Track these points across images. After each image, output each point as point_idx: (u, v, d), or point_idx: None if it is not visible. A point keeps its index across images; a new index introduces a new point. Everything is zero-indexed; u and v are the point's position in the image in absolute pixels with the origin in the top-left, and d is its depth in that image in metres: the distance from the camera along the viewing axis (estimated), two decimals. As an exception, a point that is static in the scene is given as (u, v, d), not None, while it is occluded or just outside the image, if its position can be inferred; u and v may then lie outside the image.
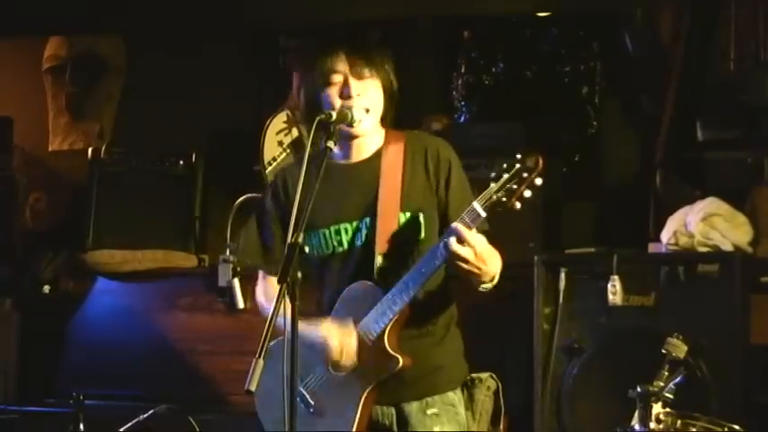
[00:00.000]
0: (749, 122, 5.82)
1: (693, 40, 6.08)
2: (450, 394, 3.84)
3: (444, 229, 3.69)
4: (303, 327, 3.44)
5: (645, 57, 6.30)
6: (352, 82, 3.80)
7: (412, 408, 3.79)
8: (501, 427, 3.92)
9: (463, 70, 6.61)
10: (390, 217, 3.78)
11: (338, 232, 3.86)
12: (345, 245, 3.85)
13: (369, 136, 3.88)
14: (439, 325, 3.86)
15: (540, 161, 3.50)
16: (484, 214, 3.54)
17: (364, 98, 3.81)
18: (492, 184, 3.53)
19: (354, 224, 3.84)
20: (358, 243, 3.83)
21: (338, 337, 3.76)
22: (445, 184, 3.82)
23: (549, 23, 6.53)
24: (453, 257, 3.56)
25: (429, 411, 3.78)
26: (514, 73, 6.57)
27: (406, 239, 3.78)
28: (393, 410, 3.81)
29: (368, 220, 3.82)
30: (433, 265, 3.63)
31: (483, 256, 3.58)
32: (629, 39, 6.35)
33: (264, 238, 3.99)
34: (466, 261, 3.56)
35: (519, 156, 3.53)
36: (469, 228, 3.54)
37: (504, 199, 3.52)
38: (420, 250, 3.77)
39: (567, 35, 6.51)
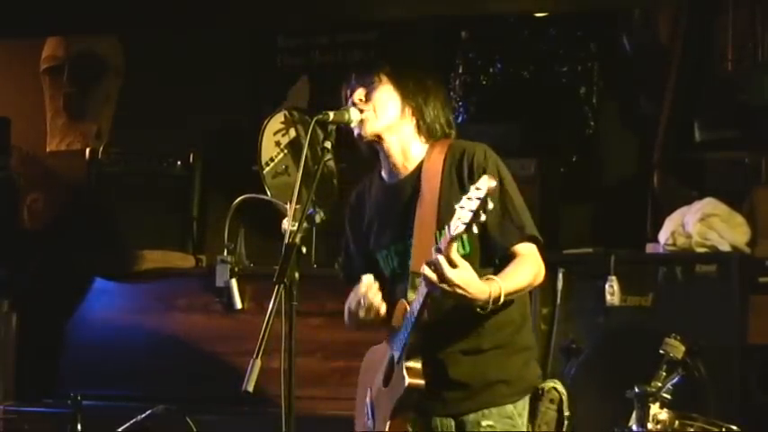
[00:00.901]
0: (747, 123, 5.83)
1: (691, 41, 6.08)
2: (510, 407, 3.77)
3: (485, 239, 3.66)
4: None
5: (643, 57, 6.30)
6: (358, 90, 3.83)
7: (469, 419, 3.76)
8: None
9: (461, 70, 6.61)
10: (427, 234, 3.72)
11: (389, 254, 3.86)
12: (397, 266, 3.84)
13: (403, 147, 3.85)
14: (503, 337, 3.78)
15: (495, 183, 3.38)
16: (443, 245, 3.46)
17: (366, 104, 3.81)
18: (461, 213, 3.40)
19: (399, 246, 3.82)
20: (405, 264, 3.80)
21: (356, 292, 3.80)
22: None
23: (546, 24, 6.52)
24: (429, 284, 3.51)
25: (484, 423, 3.74)
26: (512, 73, 6.56)
27: None
28: (452, 422, 3.78)
29: (408, 240, 3.78)
30: (421, 296, 3.58)
31: (456, 281, 3.48)
32: (627, 39, 6.35)
33: (351, 262, 4.05)
34: (437, 284, 3.49)
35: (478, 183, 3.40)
36: (440, 252, 3.47)
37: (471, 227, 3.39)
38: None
39: (564, 35, 6.51)
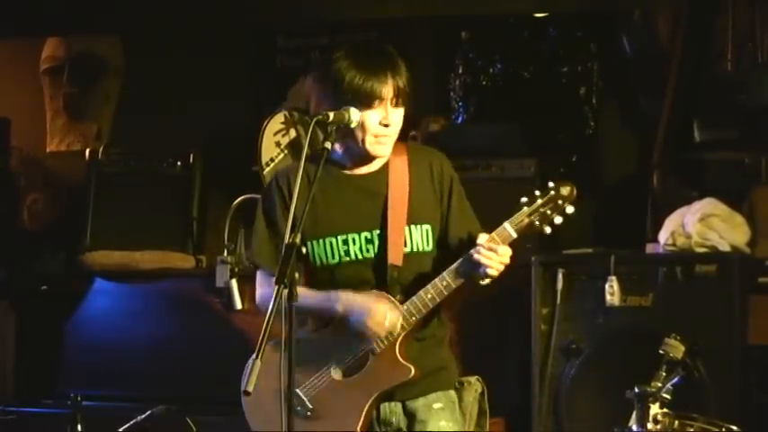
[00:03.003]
0: (747, 123, 5.83)
1: (691, 41, 6.08)
2: (452, 392, 3.93)
3: (443, 242, 3.88)
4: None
5: (643, 57, 6.30)
6: (391, 111, 3.80)
7: (418, 404, 3.86)
8: (486, 428, 3.99)
9: (461, 71, 6.61)
10: (399, 229, 3.83)
11: (345, 242, 3.86)
12: (353, 255, 3.86)
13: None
14: (435, 328, 3.93)
15: (574, 191, 3.72)
16: (515, 235, 3.73)
17: (395, 126, 3.84)
18: (524, 208, 3.72)
19: (363, 235, 3.85)
20: (368, 254, 3.85)
21: (387, 304, 3.80)
22: (448, 199, 3.90)
23: (546, 24, 6.52)
24: (485, 266, 3.71)
25: (435, 406, 3.86)
26: (512, 73, 6.57)
27: (415, 252, 3.85)
28: (399, 407, 3.86)
29: (378, 231, 3.84)
30: (455, 283, 3.76)
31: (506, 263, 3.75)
32: (626, 39, 6.35)
33: (276, 239, 3.96)
34: (493, 269, 3.72)
35: (552, 183, 3.74)
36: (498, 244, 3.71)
37: (536, 223, 3.73)
38: (428, 262, 3.86)
39: (564, 36, 6.51)
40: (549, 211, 3.72)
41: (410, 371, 3.77)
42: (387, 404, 3.85)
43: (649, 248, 5.59)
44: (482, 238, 3.73)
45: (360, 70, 3.78)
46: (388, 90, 3.77)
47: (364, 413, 3.79)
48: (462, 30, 6.64)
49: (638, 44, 6.31)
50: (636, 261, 5.32)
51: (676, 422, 4.12)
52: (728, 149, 5.87)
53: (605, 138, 6.48)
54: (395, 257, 3.81)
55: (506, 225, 3.72)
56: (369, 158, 3.88)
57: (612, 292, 5.15)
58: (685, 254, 5.33)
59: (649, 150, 6.12)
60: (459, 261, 3.76)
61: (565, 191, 3.72)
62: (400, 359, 3.78)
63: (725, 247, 5.32)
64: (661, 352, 4.24)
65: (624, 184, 6.38)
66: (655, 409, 4.09)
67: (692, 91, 6.04)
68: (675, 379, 4.16)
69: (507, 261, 3.73)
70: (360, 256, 3.86)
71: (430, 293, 3.77)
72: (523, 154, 6.01)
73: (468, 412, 3.95)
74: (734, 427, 4.17)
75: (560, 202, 3.72)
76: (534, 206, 3.72)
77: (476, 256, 3.70)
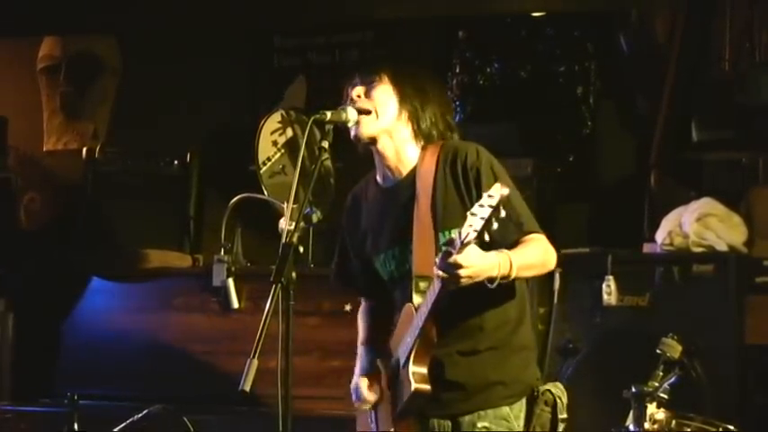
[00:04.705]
0: (744, 123, 5.83)
1: (688, 41, 6.08)
2: (506, 408, 3.76)
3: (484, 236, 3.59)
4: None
5: (640, 57, 6.30)
6: (356, 88, 3.80)
7: (465, 420, 3.76)
8: None
9: (458, 70, 6.61)
10: (426, 237, 3.71)
11: (387, 258, 3.84)
12: (396, 271, 3.83)
13: (398, 149, 3.83)
14: (499, 338, 3.77)
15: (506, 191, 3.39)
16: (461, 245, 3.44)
17: (366, 101, 3.79)
18: (474, 219, 3.38)
19: (398, 250, 3.81)
20: (403, 268, 3.79)
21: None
22: (477, 192, 3.67)
23: (544, 24, 6.52)
24: (448, 283, 3.51)
25: (479, 424, 3.73)
26: (509, 73, 6.56)
27: None
28: (449, 423, 3.79)
29: (407, 244, 3.76)
30: (430, 297, 3.59)
31: (472, 269, 3.49)
32: (624, 39, 6.35)
33: (346, 265, 4.05)
34: (459, 279, 3.49)
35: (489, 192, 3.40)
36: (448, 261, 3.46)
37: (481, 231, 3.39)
38: None
39: (562, 35, 6.51)
40: (493, 220, 3.35)
41: (410, 386, 3.64)
42: (436, 420, 3.78)
43: (646, 248, 5.59)
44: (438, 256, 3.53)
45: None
46: (352, 84, 3.83)
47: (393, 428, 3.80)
48: (459, 29, 6.64)
49: (636, 44, 6.31)
50: (633, 261, 5.33)
51: (673, 422, 4.12)
52: (726, 149, 5.88)
53: (603, 137, 6.48)
54: (421, 268, 3.68)
55: (455, 233, 3.46)
56: (377, 156, 3.85)
57: (610, 291, 5.15)
58: (682, 254, 5.33)
59: (647, 150, 6.13)
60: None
61: (503, 192, 3.37)
62: (409, 375, 3.66)
63: (722, 247, 5.32)
64: (658, 352, 4.24)
65: (621, 184, 6.38)
66: (652, 408, 4.10)
67: (689, 91, 6.05)
68: (672, 379, 4.16)
69: (473, 271, 3.47)
70: (395, 274, 3.83)
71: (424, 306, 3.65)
72: (521, 154, 6.01)
73: (533, 425, 3.77)
74: (731, 427, 4.17)
75: (499, 206, 3.36)
76: (485, 218, 3.36)
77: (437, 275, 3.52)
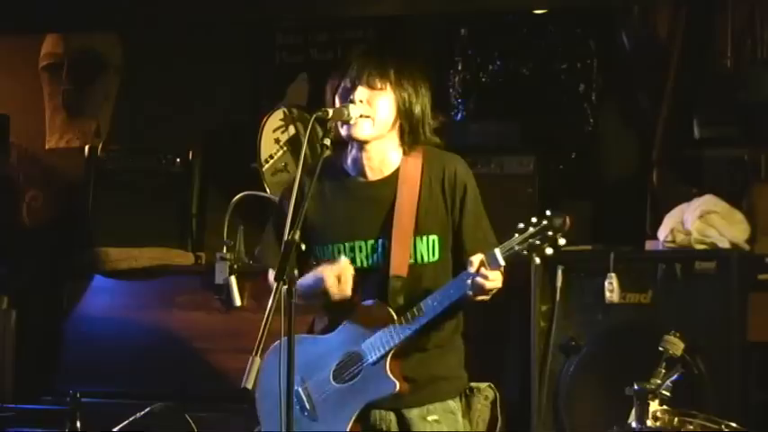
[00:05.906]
0: (746, 120, 5.82)
1: (690, 38, 6.08)
2: (450, 402, 3.93)
3: (456, 250, 3.87)
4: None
5: (642, 54, 6.29)
6: (360, 89, 3.83)
7: (413, 414, 3.87)
8: None
9: (460, 67, 6.60)
10: (405, 239, 3.83)
11: (352, 249, 3.89)
12: (358, 262, 3.89)
13: (384, 153, 3.91)
14: (444, 337, 3.93)
15: (569, 222, 3.62)
16: (503, 263, 3.67)
17: (367, 107, 3.83)
18: (516, 235, 3.64)
19: (369, 243, 3.88)
20: (372, 262, 3.87)
21: (334, 271, 3.83)
22: (460, 206, 3.89)
23: (545, 21, 6.51)
24: (476, 292, 3.71)
25: (430, 418, 3.87)
26: (511, 71, 6.55)
27: (419, 263, 3.87)
28: (393, 415, 3.88)
29: (383, 240, 3.85)
30: (446, 301, 3.75)
31: (497, 284, 3.75)
32: (626, 36, 6.34)
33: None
34: (483, 294, 3.74)
35: (548, 212, 3.63)
36: (487, 269, 3.68)
37: (525, 252, 3.64)
38: (433, 273, 3.86)
39: (564, 33, 6.50)
40: (538, 242, 3.62)
41: (395, 386, 3.79)
42: (378, 412, 3.87)
43: (649, 245, 5.59)
44: (476, 258, 3.69)
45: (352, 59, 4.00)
46: (351, 79, 3.89)
47: (351, 422, 3.83)
48: (461, 27, 6.63)
49: (638, 41, 6.30)
50: (635, 258, 5.32)
51: (676, 419, 4.11)
52: (728, 146, 5.86)
53: (605, 135, 6.47)
54: (398, 268, 3.82)
55: (497, 252, 3.67)
56: (362, 153, 3.89)
57: (612, 289, 5.15)
58: (685, 251, 5.33)
59: (649, 147, 6.12)
60: (451, 281, 3.78)
61: (557, 222, 3.62)
62: (388, 373, 3.79)
63: (724, 244, 5.32)
64: (660, 349, 4.23)
65: (623, 182, 6.37)
66: (654, 405, 4.09)
67: (691, 88, 6.04)
68: (675, 376, 4.15)
69: (498, 285, 3.74)
70: (365, 264, 3.88)
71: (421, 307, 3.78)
72: (523, 151, 6.01)
73: (476, 420, 3.94)
74: (733, 424, 4.16)
75: (551, 233, 3.62)
76: (524, 236, 3.63)
77: (468, 281, 3.70)
